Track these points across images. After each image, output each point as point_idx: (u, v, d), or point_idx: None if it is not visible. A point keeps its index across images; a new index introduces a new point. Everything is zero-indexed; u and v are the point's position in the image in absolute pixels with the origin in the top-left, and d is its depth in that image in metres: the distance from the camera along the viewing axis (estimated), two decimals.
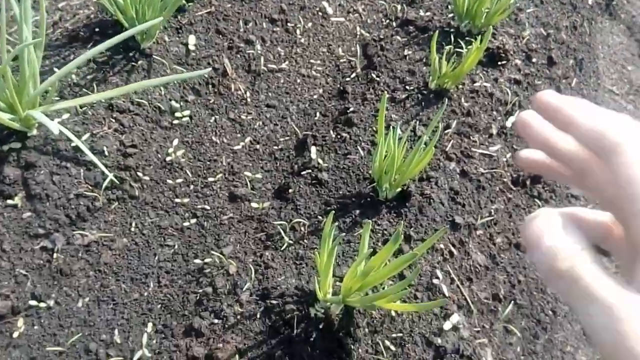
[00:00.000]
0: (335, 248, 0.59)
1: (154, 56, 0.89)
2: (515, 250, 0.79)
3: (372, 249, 0.67)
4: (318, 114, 0.92)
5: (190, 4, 0.98)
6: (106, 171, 0.68)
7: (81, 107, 0.80)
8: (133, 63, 0.87)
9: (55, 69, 0.85)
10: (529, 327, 0.75)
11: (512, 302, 0.74)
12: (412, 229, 0.73)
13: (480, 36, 0.96)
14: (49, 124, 0.63)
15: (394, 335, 0.64)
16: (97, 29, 0.93)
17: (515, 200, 0.85)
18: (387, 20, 1.09)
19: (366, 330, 0.64)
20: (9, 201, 0.69)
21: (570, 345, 0.75)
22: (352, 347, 0.62)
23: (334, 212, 0.62)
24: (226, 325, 0.62)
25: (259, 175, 0.82)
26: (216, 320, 0.63)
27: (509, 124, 0.92)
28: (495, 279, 0.75)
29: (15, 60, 0.76)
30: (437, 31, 0.89)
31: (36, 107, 0.77)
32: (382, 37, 1.04)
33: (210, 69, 0.84)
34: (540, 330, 0.75)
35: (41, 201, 0.70)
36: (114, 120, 0.80)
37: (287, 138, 0.88)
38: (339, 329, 0.63)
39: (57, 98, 0.81)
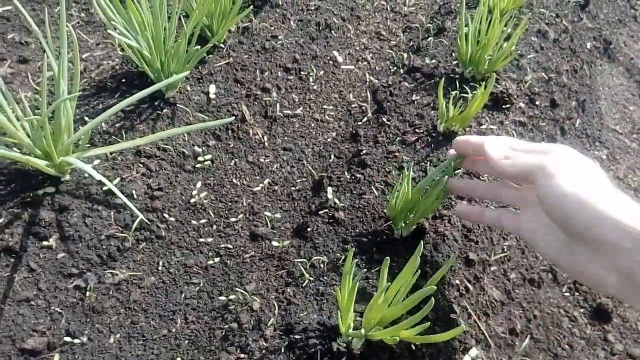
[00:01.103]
0: (357, 284, 0.66)
1: (177, 105, 1.00)
2: (530, 285, 0.85)
3: (389, 284, 0.74)
4: (332, 156, 1.02)
5: (210, 55, 1.11)
6: (139, 213, 0.76)
7: (111, 154, 0.90)
8: (158, 111, 0.98)
9: (86, 118, 0.96)
10: None
11: (529, 336, 0.79)
12: (427, 265, 0.80)
13: (484, 82, 1.08)
14: (90, 172, 0.72)
15: None
16: (123, 80, 1.05)
17: None
18: (395, 68, 1.21)
19: None
20: (45, 242, 0.77)
21: None
22: None
23: (354, 249, 0.69)
24: None
25: (278, 215, 0.90)
26: (242, 355, 0.69)
27: None
28: (512, 314, 0.81)
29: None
30: (442, 77, 0.99)
31: (69, 154, 0.87)
32: (390, 83, 1.15)
33: (233, 117, 0.94)
34: None
35: (74, 242, 0.78)
36: (141, 165, 0.89)
37: (303, 179, 0.97)
38: None
39: (88, 145, 0.91)
